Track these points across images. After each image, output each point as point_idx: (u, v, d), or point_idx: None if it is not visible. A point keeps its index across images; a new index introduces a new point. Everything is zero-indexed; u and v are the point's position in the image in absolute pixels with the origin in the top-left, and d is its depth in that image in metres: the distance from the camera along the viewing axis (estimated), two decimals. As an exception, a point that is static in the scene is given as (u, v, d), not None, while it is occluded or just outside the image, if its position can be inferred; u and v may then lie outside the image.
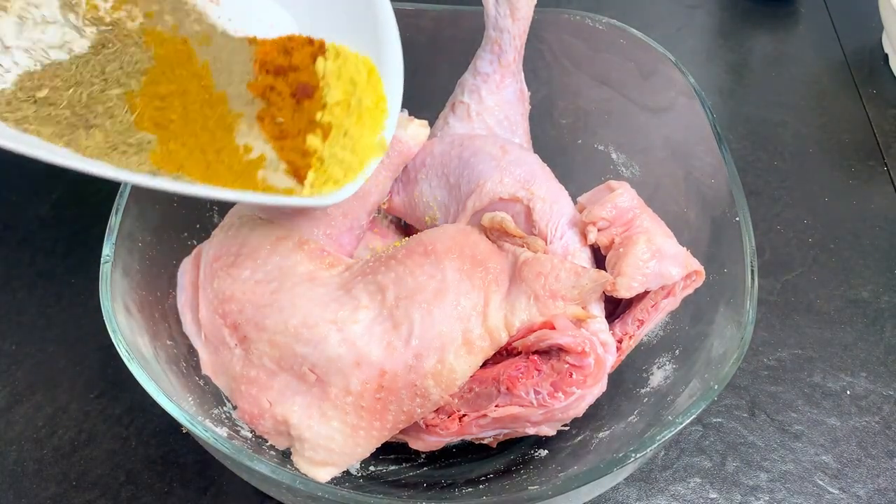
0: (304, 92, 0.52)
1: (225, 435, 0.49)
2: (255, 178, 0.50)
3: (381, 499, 0.49)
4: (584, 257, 0.56)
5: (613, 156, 0.69)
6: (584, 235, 0.56)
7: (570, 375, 0.48)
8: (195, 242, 0.61)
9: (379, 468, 0.55)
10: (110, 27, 0.49)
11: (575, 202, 0.59)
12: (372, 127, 0.53)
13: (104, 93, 0.47)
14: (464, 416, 0.50)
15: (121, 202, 0.53)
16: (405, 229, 0.65)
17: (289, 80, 0.53)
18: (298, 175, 0.50)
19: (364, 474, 0.55)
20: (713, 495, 0.59)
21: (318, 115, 0.52)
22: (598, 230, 0.55)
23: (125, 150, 0.46)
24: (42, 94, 0.45)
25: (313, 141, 0.52)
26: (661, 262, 0.52)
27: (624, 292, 0.52)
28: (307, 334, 0.51)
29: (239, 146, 0.50)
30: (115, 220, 0.52)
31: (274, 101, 0.52)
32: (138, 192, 0.54)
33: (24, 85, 0.46)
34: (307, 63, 0.54)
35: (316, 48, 0.54)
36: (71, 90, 0.46)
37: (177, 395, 0.48)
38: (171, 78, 0.49)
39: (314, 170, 0.51)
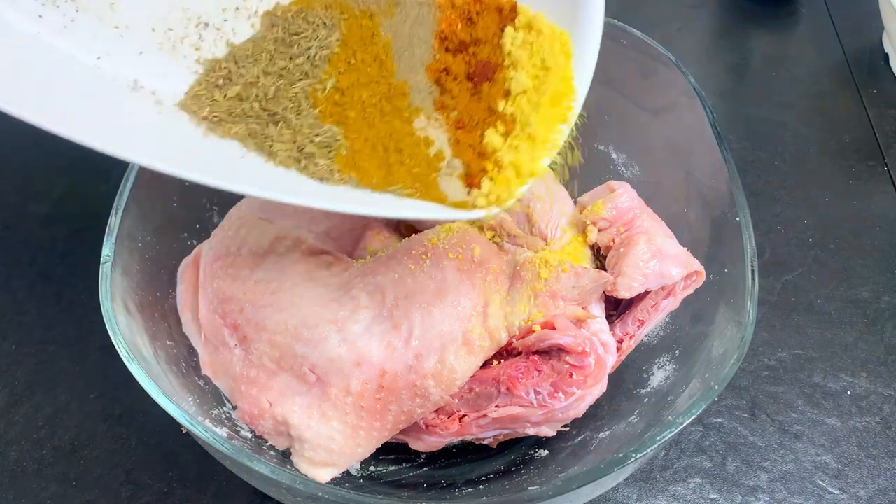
0: (482, 73, 0.43)
1: (225, 435, 0.49)
2: (434, 183, 0.42)
3: (381, 499, 0.49)
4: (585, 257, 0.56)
5: (613, 156, 0.69)
6: (584, 235, 0.56)
7: (571, 376, 0.48)
8: (195, 242, 0.61)
9: (379, 468, 0.55)
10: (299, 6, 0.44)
11: (575, 202, 0.59)
12: (553, 120, 0.43)
13: (292, 85, 0.42)
14: (464, 416, 0.50)
15: (121, 202, 0.53)
16: (405, 229, 0.65)
17: (468, 57, 0.44)
18: (472, 181, 0.42)
19: (364, 474, 0.55)
20: (713, 495, 0.59)
21: (501, 105, 0.43)
22: (599, 230, 0.55)
23: (312, 151, 0.41)
24: (234, 90, 0.42)
25: (493, 138, 0.42)
26: (662, 263, 0.52)
27: (624, 292, 0.52)
28: (307, 334, 0.51)
29: (420, 140, 0.43)
30: (115, 220, 0.52)
31: (448, 86, 0.44)
32: (138, 191, 0.54)
33: (210, 75, 0.43)
34: (492, 34, 0.44)
35: (506, 13, 0.44)
36: (259, 81, 0.42)
37: (177, 396, 0.48)
38: (354, 66, 0.43)
39: (491, 176, 0.42)
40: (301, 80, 0.42)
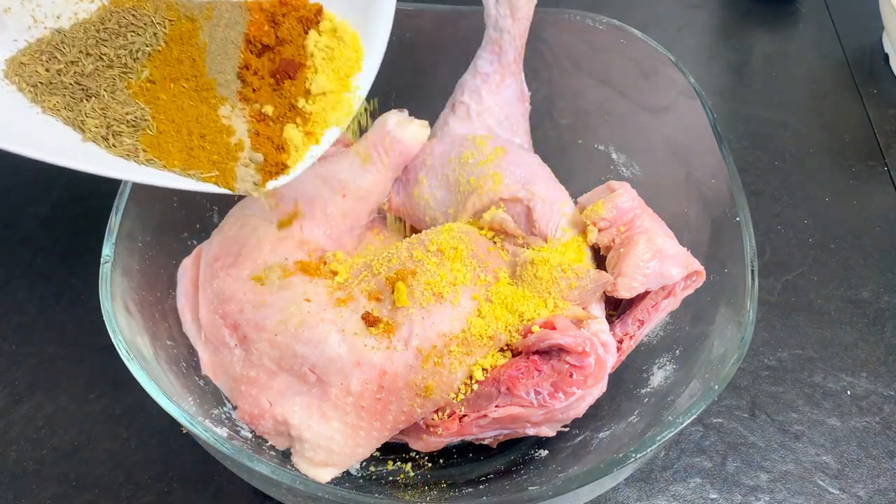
0: (284, 71, 0.48)
1: (225, 435, 0.49)
2: (231, 171, 0.47)
3: (381, 499, 0.50)
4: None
5: (614, 156, 0.69)
6: (584, 235, 0.56)
7: (571, 376, 0.48)
8: (195, 242, 0.61)
9: (379, 468, 0.55)
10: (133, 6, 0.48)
11: (575, 202, 0.59)
12: (339, 120, 0.49)
13: (110, 68, 0.46)
14: (464, 416, 0.50)
15: (121, 202, 0.53)
16: (406, 230, 0.65)
17: (272, 55, 0.49)
18: (268, 173, 0.47)
19: (364, 474, 0.55)
20: (713, 495, 0.59)
21: (301, 103, 0.48)
22: (599, 230, 0.55)
23: (120, 130, 0.45)
24: (57, 65, 0.45)
25: (292, 133, 0.48)
26: (662, 263, 0.52)
27: (624, 292, 0.52)
28: (307, 334, 0.51)
29: (223, 127, 0.47)
30: (115, 220, 0.52)
31: (250, 80, 0.48)
32: (138, 192, 0.54)
33: (37, 48, 0.46)
34: (297, 35, 0.49)
35: (311, 17, 0.50)
36: (79, 60, 0.45)
37: (177, 396, 0.48)
38: (170, 62, 0.48)
39: (288, 172, 0.48)
40: (119, 68, 0.46)
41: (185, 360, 0.54)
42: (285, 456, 0.52)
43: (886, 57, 0.92)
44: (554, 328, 0.49)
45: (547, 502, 0.45)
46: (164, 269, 0.57)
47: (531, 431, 0.51)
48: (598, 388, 0.50)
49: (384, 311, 0.51)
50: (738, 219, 0.54)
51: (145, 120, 0.46)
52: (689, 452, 0.61)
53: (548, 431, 0.52)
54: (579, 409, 0.50)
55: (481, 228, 0.58)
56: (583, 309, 0.52)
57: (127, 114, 0.45)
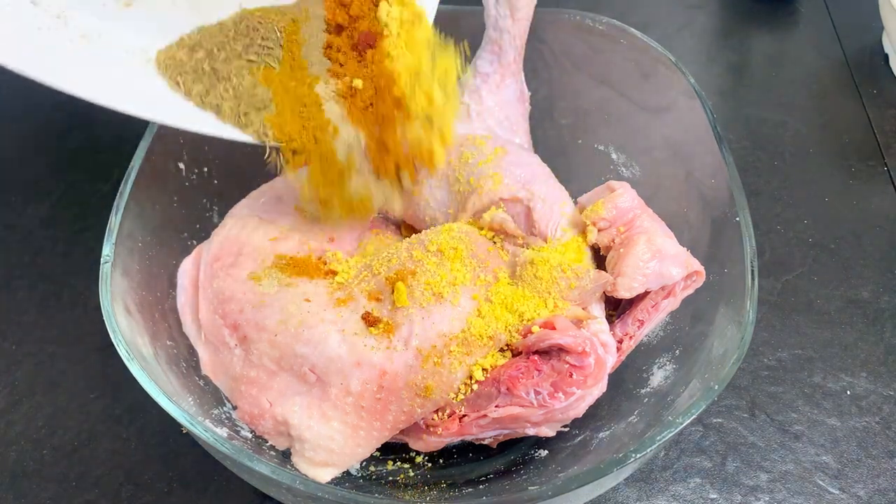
0: (364, 42, 0.54)
1: (225, 435, 0.49)
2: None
3: (381, 499, 0.50)
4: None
5: (613, 156, 0.69)
6: (584, 235, 0.56)
7: (571, 375, 0.48)
8: (195, 242, 0.61)
9: (379, 468, 0.55)
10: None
11: (575, 202, 0.59)
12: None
13: (238, 59, 0.53)
14: (464, 416, 0.50)
15: (121, 202, 0.53)
16: (405, 230, 0.65)
17: (350, 32, 0.54)
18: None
19: (364, 474, 0.55)
20: (713, 495, 0.59)
21: (388, 63, 0.52)
22: (599, 230, 0.55)
23: (247, 111, 0.51)
24: (198, 54, 0.52)
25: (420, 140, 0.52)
26: (662, 263, 0.52)
27: (624, 293, 0.52)
28: (307, 334, 0.51)
29: (318, 99, 0.53)
30: (115, 220, 0.52)
31: (335, 57, 0.54)
32: (138, 191, 0.54)
33: (182, 42, 0.52)
34: (367, 9, 0.54)
35: None
36: (214, 51, 0.52)
37: (177, 396, 0.48)
38: (282, 56, 0.54)
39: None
40: (245, 59, 0.53)
41: (185, 360, 0.54)
42: (285, 456, 0.52)
43: (886, 57, 0.92)
44: (554, 328, 0.49)
45: (547, 502, 0.45)
46: (164, 269, 0.57)
47: (531, 431, 0.51)
48: (598, 388, 0.50)
49: (384, 311, 0.51)
50: (738, 219, 0.54)
51: (267, 102, 0.52)
52: (689, 452, 0.61)
53: (548, 431, 0.52)
54: (579, 409, 0.50)
55: (481, 228, 0.58)
56: (583, 309, 0.52)
57: (253, 96, 0.52)
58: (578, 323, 0.51)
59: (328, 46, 0.54)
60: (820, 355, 0.67)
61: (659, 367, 0.56)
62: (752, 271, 0.51)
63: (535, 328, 0.49)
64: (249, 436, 0.52)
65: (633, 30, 0.66)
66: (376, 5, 0.54)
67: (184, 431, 0.47)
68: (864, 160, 0.82)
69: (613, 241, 0.55)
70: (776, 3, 1.01)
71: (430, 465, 0.56)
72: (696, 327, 0.55)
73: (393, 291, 0.51)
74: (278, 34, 0.54)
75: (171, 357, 0.53)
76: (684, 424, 0.46)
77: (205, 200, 0.63)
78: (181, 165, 0.61)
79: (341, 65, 0.54)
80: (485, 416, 0.50)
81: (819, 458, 0.61)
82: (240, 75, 0.52)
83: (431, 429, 0.51)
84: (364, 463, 0.55)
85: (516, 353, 0.51)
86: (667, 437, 0.45)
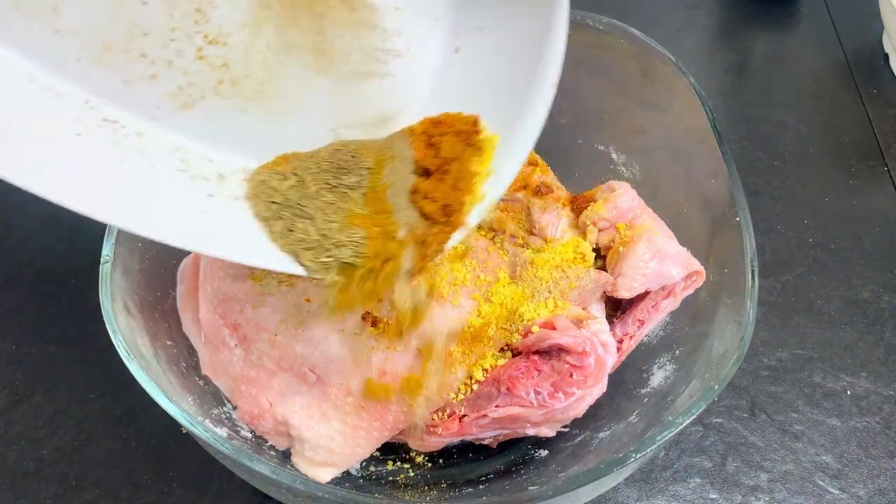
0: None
1: (225, 435, 0.49)
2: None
3: (381, 499, 0.49)
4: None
5: (613, 156, 0.69)
6: (584, 235, 0.56)
7: (571, 375, 0.48)
8: (195, 242, 0.61)
9: (379, 468, 0.55)
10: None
11: (575, 202, 0.59)
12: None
13: (326, 193, 0.47)
14: (464, 416, 0.50)
15: (121, 202, 0.53)
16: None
17: (441, 175, 0.47)
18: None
19: (364, 474, 0.55)
20: (713, 495, 0.59)
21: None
22: (599, 230, 0.55)
23: (328, 264, 0.45)
24: (288, 182, 0.46)
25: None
26: (662, 263, 0.52)
27: (624, 293, 0.52)
28: (307, 334, 0.51)
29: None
30: (115, 220, 0.52)
31: (420, 205, 0.47)
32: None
33: (273, 166, 0.47)
34: (458, 150, 0.48)
35: (469, 131, 0.48)
36: (305, 181, 0.47)
37: (177, 396, 0.48)
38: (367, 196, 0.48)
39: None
40: (332, 197, 0.47)
41: (185, 361, 0.54)
42: (285, 456, 0.52)
43: (886, 57, 0.92)
44: (554, 328, 0.49)
45: (547, 502, 0.45)
46: (164, 269, 0.57)
47: (531, 431, 0.51)
48: (598, 388, 0.50)
49: (384, 311, 0.51)
50: (738, 219, 0.54)
51: (344, 242, 0.45)
52: (689, 452, 0.61)
53: (548, 432, 0.52)
54: (579, 409, 0.50)
55: (481, 228, 0.58)
56: (583, 309, 0.52)
57: (338, 242, 0.45)
58: (578, 323, 0.51)
59: (414, 191, 0.48)
60: (820, 355, 0.67)
61: (659, 367, 0.56)
62: (752, 271, 0.51)
63: (535, 328, 0.49)
64: (249, 436, 0.52)
65: (633, 30, 0.66)
66: (469, 145, 0.48)
67: (184, 431, 0.47)
68: (864, 160, 0.82)
69: (613, 241, 0.55)
70: (776, 3, 1.01)
71: (430, 465, 0.56)
72: (696, 327, 0.55)
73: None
74: (364, 172, 0.48)
75: (171, 357, 0.53)
76: (684, 424, 0.46)
77: (205, 200, 0.63)
78: (181, 165, 0.60)
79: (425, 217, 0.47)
80: (485, 416, 0.50)
81: (819, 458, 0.61)
82: (325, 214, 0.46)
83: (431, 429, 0.51)
84: (364, 463, 0.55)
85: (516, 353, 0.51)
86: (667, 437, 0.45)
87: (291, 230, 0.45)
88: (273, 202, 0.46)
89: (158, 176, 0.44)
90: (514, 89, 0.48)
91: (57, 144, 0.42)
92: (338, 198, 0.46)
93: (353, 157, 0.48)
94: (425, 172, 0.48)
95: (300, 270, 0.44)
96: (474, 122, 0.48)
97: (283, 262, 0.44)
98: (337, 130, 0.49)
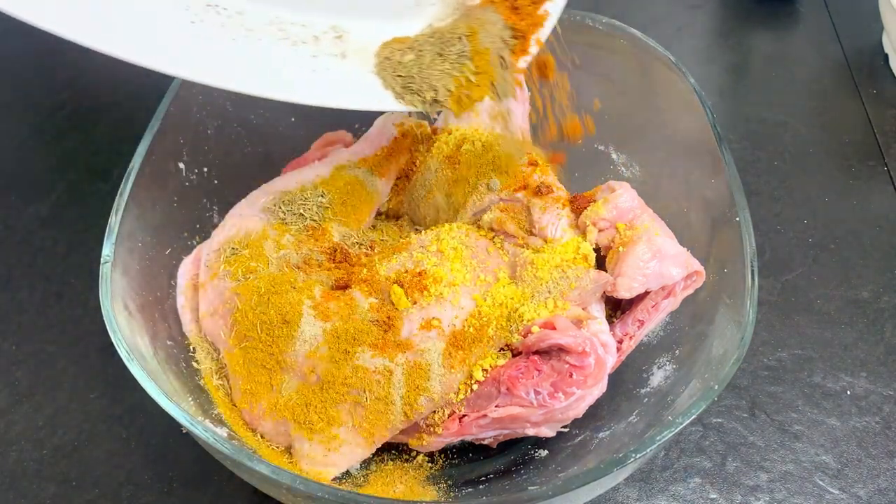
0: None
1: (225, 435, 0.49)
2: None
3: (381, 499, 0.49)
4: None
5: (613, 156, 0.69)
6: (584, 235, 0.56)
7: (571, 376, 0.48)
8: (195, 242, 0.61)
9: (379, 468, 0.55)
10: None
11: (575, 202, 0.59)
12: None
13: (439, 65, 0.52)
14: (464, 416, 0.50)
15: (121, 202, 0.53)
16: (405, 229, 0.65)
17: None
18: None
19: (364, 474, 0.55)
20: (713, 495, 0.59)
21: None
22: (599, 230, 0.55)
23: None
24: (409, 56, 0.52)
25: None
26: (662, 263, 0.52)
27: (624, 293, 0.52)
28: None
29: None
30: (115, 220, 0.52)
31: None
32: (138, 191, 0.54)
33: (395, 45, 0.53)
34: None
35: None
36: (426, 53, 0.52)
37: (177, 396, 0.48)
38: None
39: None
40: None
41: (185, 361, 0.54)
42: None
43: (886, 57, 0.92)
44: (554, 328, 0.49)
45: (547, 502, 0.45)
46: (164, 269, 0.57)
47: (531, 432, 0.51)
48: (598, 389, 0.50)
49: (384, 311, 0.51)
50: (738, 219, 0.54)
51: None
52: (689, 452, 0.61)
53: (547, 432, 0.52)
54: (579, 410, 0.50)
55: (481, 228, 0.58)
56: (583, 309, 0.52)
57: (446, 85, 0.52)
58: (578, 323, 0.51)
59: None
60: (820, 355, 0.67)
61: (659, 367, 0.56)
62: (752, 271, 0.51)
63: (535, 328, 0.49)
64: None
65: (633, 30, 0.66)
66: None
67: (184, 431, 0.47)
68: (864, 160, 0.82)
69: (613, 241, 0.55)
70: (776, 3, 1.01)
71: (430, 465, 0.56)
72: (696, 327, 0.55)
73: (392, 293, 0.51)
74: (465, 40, 0.53)
75: (171, 357, 0.53)
76: (684, 424, 0.46)
77: (205, 200, 0.63)
78: (181, 165, 0.61)
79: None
80: (485, 416, 0.50)
81: (819, 458, 0.61)
82: (441, 78, 0.52)
83: (431, 429, 0.51)
84: (364, 463, 0.55)
85: (516, 353, 0.51)
86: (667, 437, 0.45)
87: (409, 84, 0.51)
88: (398, 75, 0.51)
89: (268, 47, 0.49)
90: None
91: (183, 34, 0.47)
92: (450, 66, 0.52)
93: (450, 32, 0.53)
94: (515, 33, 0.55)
95: (416, 106, 0.51)
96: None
97: (395, 103, 0.51)
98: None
